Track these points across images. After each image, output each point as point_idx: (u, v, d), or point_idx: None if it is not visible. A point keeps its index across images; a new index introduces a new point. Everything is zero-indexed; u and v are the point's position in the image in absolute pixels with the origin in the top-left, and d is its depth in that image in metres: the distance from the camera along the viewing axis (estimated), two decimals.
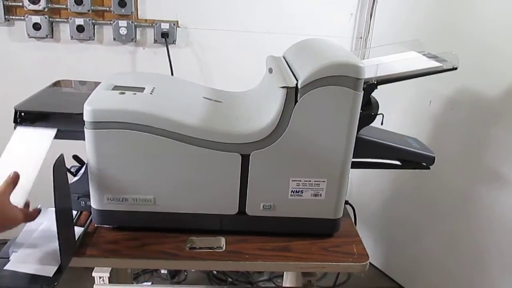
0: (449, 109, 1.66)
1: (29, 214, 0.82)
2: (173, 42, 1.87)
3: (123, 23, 1.81)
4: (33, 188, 0.83)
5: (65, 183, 0.85)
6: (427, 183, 1.78)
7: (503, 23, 1.44)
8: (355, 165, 0.99)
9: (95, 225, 0.98)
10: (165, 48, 1.84)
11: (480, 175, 1.58)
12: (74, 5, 1.75)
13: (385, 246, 2.06)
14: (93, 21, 1.80)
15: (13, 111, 0.92)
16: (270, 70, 0.99)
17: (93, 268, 1.09)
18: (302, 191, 0.94)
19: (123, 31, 1.82)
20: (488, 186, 1.56)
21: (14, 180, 0.78)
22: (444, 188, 1.72)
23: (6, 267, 0.84)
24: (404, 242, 1.95)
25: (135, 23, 1.83)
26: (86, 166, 0.92)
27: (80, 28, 1.79)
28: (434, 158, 1.07)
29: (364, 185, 2.06)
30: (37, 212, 0.84)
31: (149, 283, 1.93)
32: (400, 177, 1.91)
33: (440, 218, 1.76)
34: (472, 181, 1.61)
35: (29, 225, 0.95)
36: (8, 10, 1.75)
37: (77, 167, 1.08)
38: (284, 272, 1.43)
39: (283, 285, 1.48)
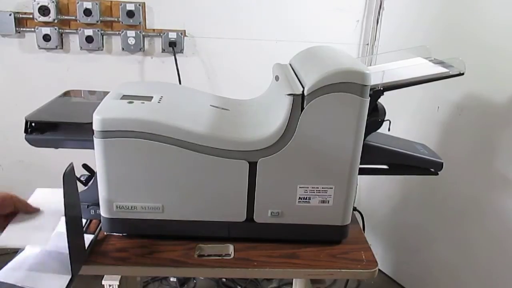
0: (457, 114, 1.65)
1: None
2: (181, 51, 1.89)
3: (131, 33, 1.83)
4: None
5: (75, 191, 0.85)
6: (436, 188, 1.77)
7: (511, 27, 1.44)
8: (362, 172, 0.99)
9: (105, 233, 0.99)
10: (173, 57, 1.86)
11: (490, 180, 1.57)
12: (83, 16, 1.78)
13: (395, 253, 2.05)
14: (102, 32, 1.83)
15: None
16: (277, 78, 1.00)
17: (103, 276, 1.09)
18: (309, 198, 0.95)
19: (131, 41, 1.84)
20: (499, 191, 1.55)
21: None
22: (453, 193, 1.71)
23: (16, 281, 0.84)
24: (414, 248, 1.94)
25: (143, 33, 1.85)
26: (96, 175, 0.93)
27: (89, 39, 1.82)
28: (442, 164, 1.06)
29: (373, 191, 2.05)
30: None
31: None
32: (409, 182, 1.90)
33: (451, 223, 1.74)
34: (482, 186, 1.60)
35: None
36: (18, 22, 1.79)
37: (86, 176, 1.09)
38: (293, 280, 1.43)
39: None
